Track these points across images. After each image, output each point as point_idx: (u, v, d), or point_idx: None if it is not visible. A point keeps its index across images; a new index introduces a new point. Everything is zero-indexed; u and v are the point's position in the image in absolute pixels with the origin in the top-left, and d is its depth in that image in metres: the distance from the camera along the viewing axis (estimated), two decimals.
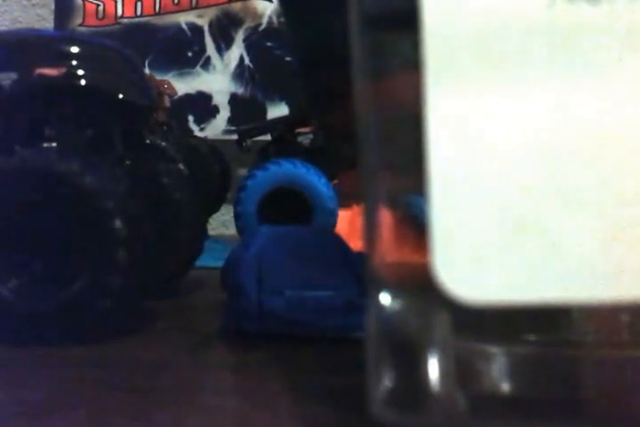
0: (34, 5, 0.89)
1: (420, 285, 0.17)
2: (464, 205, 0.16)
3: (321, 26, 0.40)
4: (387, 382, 0.18)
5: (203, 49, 0.81)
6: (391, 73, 0.18)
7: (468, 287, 0.16)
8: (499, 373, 0.17)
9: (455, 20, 0.16)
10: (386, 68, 0.18)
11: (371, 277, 0.19)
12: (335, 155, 0.49)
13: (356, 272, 0.31)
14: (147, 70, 0.72)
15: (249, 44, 0.81)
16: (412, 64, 0.16)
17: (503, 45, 0.16)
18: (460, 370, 0.17)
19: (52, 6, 0.84)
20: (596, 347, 0.17)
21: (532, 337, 0.17)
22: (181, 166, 0.39)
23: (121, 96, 0.34)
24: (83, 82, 0.33)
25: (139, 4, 0.81)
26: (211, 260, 0.44)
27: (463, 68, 0.16)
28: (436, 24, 0.16)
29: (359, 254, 0.31)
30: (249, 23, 0.81)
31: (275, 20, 0.81)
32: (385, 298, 0.18)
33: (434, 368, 0.17)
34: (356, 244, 0.34)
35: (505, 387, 0.17)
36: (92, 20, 0.82)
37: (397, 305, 0.18)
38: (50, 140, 0.33)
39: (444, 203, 0.16)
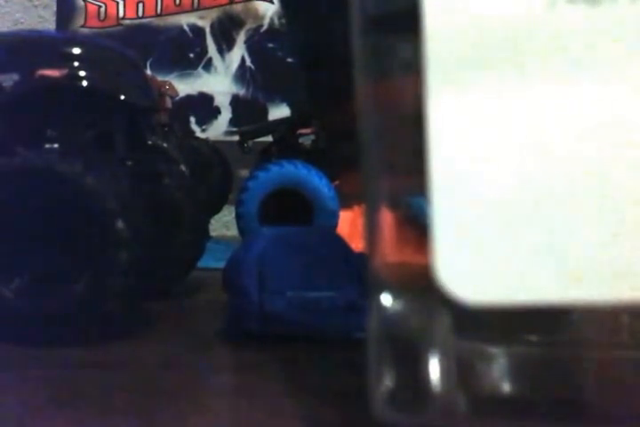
0: (36, 7, 0.89)
1: (421, 285, 0.17)
2: (465, 206, 0.16)
3: (322, 27, 0.40)
4: (388, 382, 0.18)
5: (204, 50, 0.81)
6: (392, 74, 0.18)
7: (469, 288, 0.16)
8: (499, 373, 0.17)
9: (456, 20, 0.16)
10: (387, 70, 0.18)
11: (372, 278, 0.19)
12: (336, 156, 0.49)
13: (357, 273, 0.31)
14: (148, 71, 0.72)
15: (250, 46, 0.81)
16: (413, 65, 0.16)
17: (504, 46, 0.16)
18: (460, 370, 0.17)
19: (54, 8, 0.84)
20: (596, 347, 0.17)
21: (532, 338, 0.17)
22: (183, 167, 0.39)
23: (122, 97, 0.34)
24: (84, 83, 0.33)
25: (140, 5, 0.82)
26: (212, 261, 0.44)
27: (464, 68, 0.16)
28: (436, 25, 0.16)
29: (360, 255, 0.31)
30: (250, 24, 0.81)
31: (276, 21, 0.81)
32: (386, 299, 0.18)
33: (434, 369, 0.17)
34: (357, 244, 0.34)
35: (505, 387, 0.17)
36: (93, 22, 0.82)
37: (398, 306, 0.18)
38: (52, 140, 0.33)
39: (445, 204, 0.16)
